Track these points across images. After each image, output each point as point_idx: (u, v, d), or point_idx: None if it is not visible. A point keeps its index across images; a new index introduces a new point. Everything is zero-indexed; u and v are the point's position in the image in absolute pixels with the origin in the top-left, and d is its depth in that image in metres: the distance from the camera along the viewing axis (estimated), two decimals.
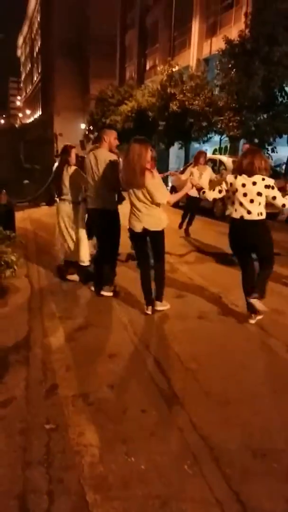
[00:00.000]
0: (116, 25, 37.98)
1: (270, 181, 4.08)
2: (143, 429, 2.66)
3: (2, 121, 61.88)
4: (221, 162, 12.01)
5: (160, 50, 28.43)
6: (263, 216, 4.13)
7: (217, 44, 17.97)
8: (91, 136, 31.85)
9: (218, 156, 13.02)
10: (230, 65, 12.32)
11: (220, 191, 4.27)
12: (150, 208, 4.19)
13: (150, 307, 4.45)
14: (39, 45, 59.39)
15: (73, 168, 5.24)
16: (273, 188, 4.08)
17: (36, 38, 62.63)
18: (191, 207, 8.65)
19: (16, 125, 22.41)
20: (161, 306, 4.48)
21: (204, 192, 4.44)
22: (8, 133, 14.51)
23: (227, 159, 12.02)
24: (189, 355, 3.65)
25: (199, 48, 22.54)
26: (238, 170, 4.15)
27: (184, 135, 17.84)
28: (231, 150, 15.48)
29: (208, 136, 17.08)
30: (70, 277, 5.47)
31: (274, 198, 4.10)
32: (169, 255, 7.11)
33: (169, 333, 4.08)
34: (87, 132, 34.04)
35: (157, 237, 4.33)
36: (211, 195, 4.33)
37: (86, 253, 5.44)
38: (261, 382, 3.27)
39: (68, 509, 2.03)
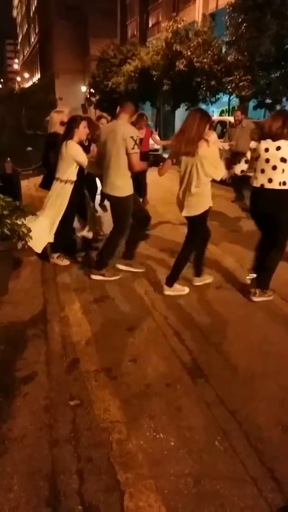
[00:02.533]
0: None
1: None
2: (169, 404, 2.60)
3: (0, 86, 60.17)
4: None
5: (163, 5, 27.03)
6: (286, 187, 3.81)
7: None
8: (93, 99, 30.95)
9: (227, 118, 12.53)
10: (240, 20, 11.66)
11: (246, 161, 4.06)
12: (198, 186, 3.84)
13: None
14: (35, 4, 56.82)
15: (70, 144, 4.46)
16: None
17: None
18: None
19: (15, 90, 21.77)
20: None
21: (232, 167, 4.24)
22: (8, 99, 14.06)
23: None
24: (209, 326, 3.57)
25: (205, 3, 21.35)
26: (263, 134, 3.89)
27: (190, 95, 17.14)
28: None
29: (217, 96, 16.45)
30: (56, 260, 4.92)
31: None
32: (181, 225, 6.95)
33: (187, 305, 3.98)
34: (88, 95, 33.05)
35: (196, 221, 4.02)
36: (239, 168, 4.12)
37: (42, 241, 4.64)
38: (285, 354, 3.19)
39: (100, 489, 1.99)
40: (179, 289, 4.18)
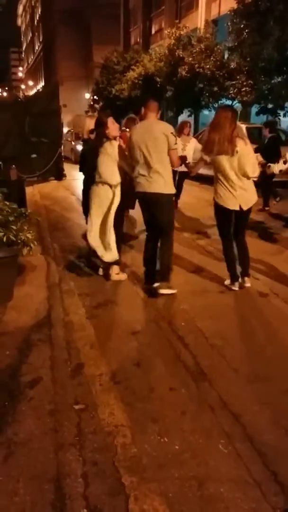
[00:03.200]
0: None
1: None
2: (173, 407, 2.62)
3: (5, 94, 60.72)
4: None
5: (166, 12, 27.26)
6: None
7: (226, 4, 17.12)
8: (96, 106, 31.15)
9: None
10: (242, 26, 11.75)
11: (285, 162, 4.17)
12: (244, 180, 3.94)
13: (237, 283, 4.35)
14: (39, 12, 57.44)
15: (115, 143, 4.29)
16: None
17: (36, 5, 60.47)
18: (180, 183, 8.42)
19: (20, 98, 21.84)
20: (248, 282, 4.38)
21: (269, 167, 4.34)
22: (13, 106, 14.11)
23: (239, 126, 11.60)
24: (213, 330, 3.58)
25: (207, 9, 21.53)
26: None
27: (193, 101, 17.27)
28: (242, 116, 14.97)
29: (219, 102, 16.53)
30: (116, 277, 4.62)
31: None
32: (184, 229, 6.98)
33: (190, 309, 4.00)
34: (92, 102, 33.28)
35: (248, 213, 4.11)
36: (277, 168, 4.23)
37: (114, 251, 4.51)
38: None
39: (105, 492, 2.00)
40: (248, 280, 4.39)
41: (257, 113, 13.58)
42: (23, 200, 7.08)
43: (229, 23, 12.68)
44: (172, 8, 26.44)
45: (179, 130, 8.06)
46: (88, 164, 4.59)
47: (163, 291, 4.21)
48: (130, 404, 2.64)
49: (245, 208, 4.04)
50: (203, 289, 4.44)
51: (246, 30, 11.81)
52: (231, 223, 4.20)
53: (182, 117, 20.87)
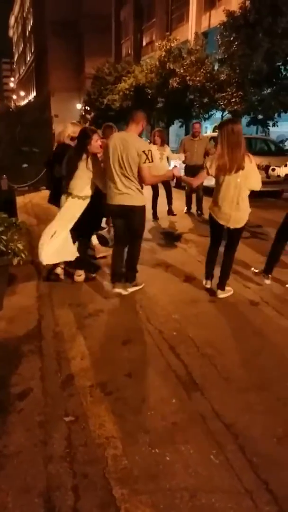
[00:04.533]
0: (111, 0, 36.91)
1: None
2: (164, 418, 2.60)
3: None
4: None
5: (157, 25, 27.66)
6: None
7: (216, 17, 17.44)
8: (88, 116, 31.33)
9: None
10: (232, 38, 11.95)
11: None
12: (243, 199, 4.07)
13: (209, 282, 4.62)
14: (31, 23, 57.89)
15: (93, 158, 4.35)
16: None
17: (28, 16, 61.01)
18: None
19: (11, 108, 21.87)
20: (223, 294, 4.43)
21: (274, 170, 4.42)
22: (5, 117, 14.15)
23: None
24: (204, 340, 3.58)
25: (198, 22, 21.91)
26: None
27: (184, 112, 17.48)
28: None
29: (210, 113, 16.74)
30: (79, 278, 4.85)
31: None
32: (176, 237, 7.01)
33: (181, 318, 4.00)
34: (83, 113, 33.47)
35: (241, 230, 4.24)
36: (282, 171, 4.31)
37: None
38: (281, 366, 3.20)
39: (95, 505, 1.98)
40: (228, 290, 4.48)
41: (248, 124, 13.75)
42: (13, 209, 7.06)
43: (218, 36, 12.88)
44: (162, 20, 26.85)
45: (152, 142, 8.07)
46: (58, 172, 4.72)
47: (132, 289, 4.54)
48: (121, 415, 2.62)
49: (232, 227, 4.15)
50: (194, 298, 4.44)
51: (236, 43, 12.01)
52: (221, 234, 4.35)
53: (173, 128, 21.08)
